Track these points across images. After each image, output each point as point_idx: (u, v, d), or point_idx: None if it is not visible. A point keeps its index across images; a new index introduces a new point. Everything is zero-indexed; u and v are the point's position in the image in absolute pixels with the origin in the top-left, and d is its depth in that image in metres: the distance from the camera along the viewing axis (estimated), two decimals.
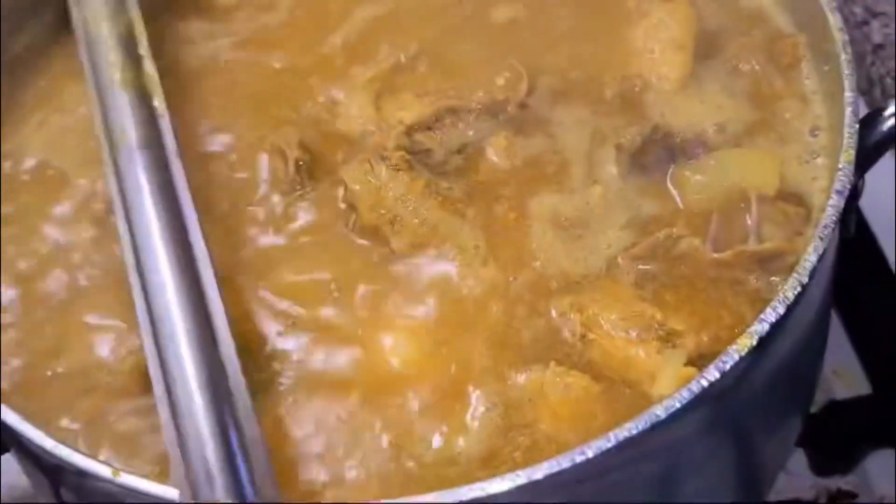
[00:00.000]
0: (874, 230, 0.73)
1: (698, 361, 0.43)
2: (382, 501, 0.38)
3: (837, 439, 0.67)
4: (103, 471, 0.39)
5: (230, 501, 0.36)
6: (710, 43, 0.55)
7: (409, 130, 0.51)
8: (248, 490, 0.37)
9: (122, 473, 0.39)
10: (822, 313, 0.55)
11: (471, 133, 0.52)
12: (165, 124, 0.47)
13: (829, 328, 0.62)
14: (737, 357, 0.39)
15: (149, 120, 0.47)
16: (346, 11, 0.58)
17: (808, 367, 0.57)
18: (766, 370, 0.45)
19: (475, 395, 0.44)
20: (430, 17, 0.57)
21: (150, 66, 0.50)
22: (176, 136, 0.48)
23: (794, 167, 0.51)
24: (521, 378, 0.44)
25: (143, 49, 0.50)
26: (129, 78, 0.48)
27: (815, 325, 0.53)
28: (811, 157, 0.51)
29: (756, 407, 0.48)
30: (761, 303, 0.45)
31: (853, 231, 0.54)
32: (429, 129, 0.52)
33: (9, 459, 0.51)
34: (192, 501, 0.37)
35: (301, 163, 0.52)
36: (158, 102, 0.48)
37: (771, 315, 0.40)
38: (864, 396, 0.69)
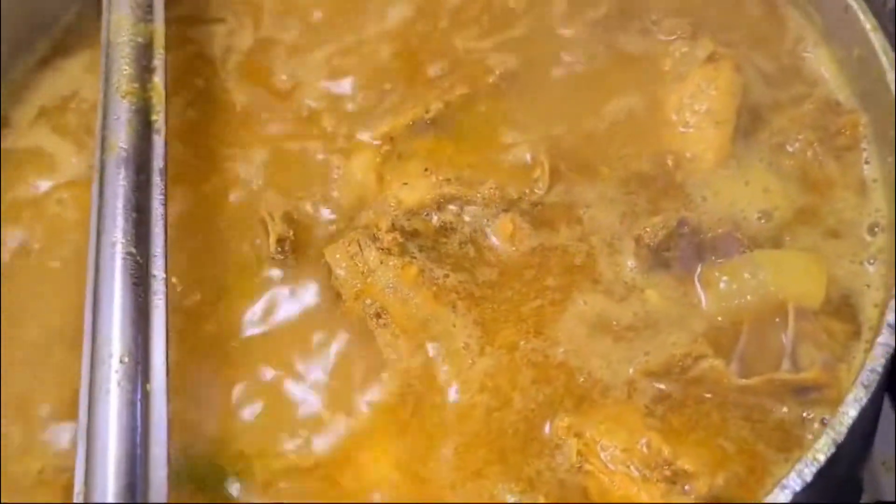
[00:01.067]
0: None
1: None
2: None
3: None
4: None
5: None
6: (754, 115, 0.48)
7: (408, 213, 0.46)
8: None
9: None
10: (868, 424, 0.48)
11: (473, 219, 0.47)
12: (160, 141, 0.46)
13: (879, 421, 0.55)
14: None
15: (143, 133, 0.46)
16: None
17: (849, 476, 0.50)
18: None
19: None
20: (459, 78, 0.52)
21: (159, 79, 0.48)
22: (165, 155, 0.46)
23: (844, 270, 0.44)
24: None
25: (158, 61, 0.49)
26: (134, 89, 0.47)
27: (859, 440, 0.46)
28: (866, 261, 0.44)
29: None
30: (790, 440, 0.39)
31: None
32: (428, 214, 0.46)
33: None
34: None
35: (282, 240, 0.47)
36: (157, 118, 0.47)
37: (795, 482, 0.34)
38: None
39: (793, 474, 0.34)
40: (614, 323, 0.43)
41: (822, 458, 0.34)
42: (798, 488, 0.34)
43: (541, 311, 0.44)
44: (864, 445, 0.50)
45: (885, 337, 0.37)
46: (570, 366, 0.42)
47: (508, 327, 0.44)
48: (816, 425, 0.39)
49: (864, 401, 0.35)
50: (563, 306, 0.44)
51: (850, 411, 0.35)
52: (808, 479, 0.34)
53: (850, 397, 0.35)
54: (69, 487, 0.37)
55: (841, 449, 0.36)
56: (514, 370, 0.42)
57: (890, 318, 0.37)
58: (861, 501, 0.59)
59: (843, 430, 0.35)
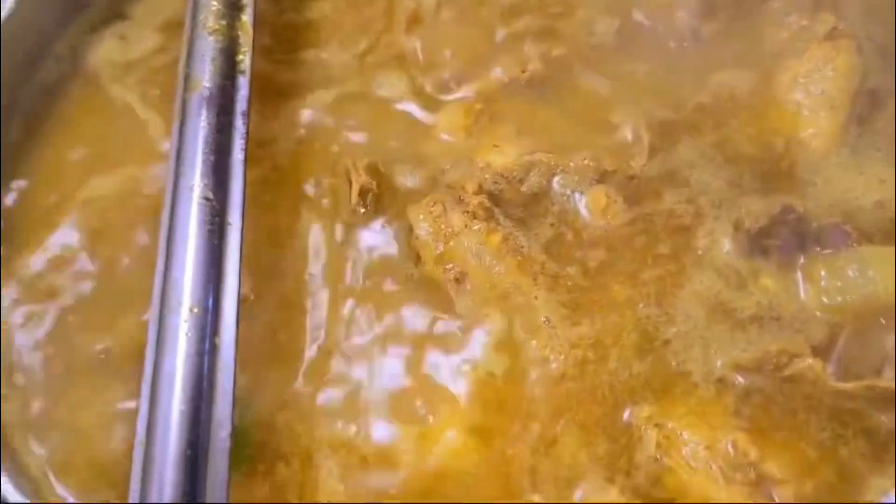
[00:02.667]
0: None
1: None
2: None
3: None
4: None
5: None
6: (873, 100, 0.45)
7: (496, 177, 0.44)
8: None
9: None
10: None
11: (563, 189, 0.44)
12: (244, 81, 0.45)
13: None
14: None
15: (228, 72, 0.45)
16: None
17: None
18: None
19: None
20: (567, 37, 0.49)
21: (248, 17, 0.47)
22: (249, 96, 0.44)
23: None
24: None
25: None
26: (221, 26, 0.46)
27: None
28: None
29: None
30: (885, 451, 0.37)
31: None
32: (518, 180, 0.44)
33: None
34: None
35: (366, 192, 0.45)
36: (243, 57, 0.45)
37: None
38: None
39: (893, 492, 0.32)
40: (737, 311, 0.40)
41: None
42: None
43: (661, 281, 0.42)
44: None
45: None
46: (656, 353, 0.40)
47: (624, 290, 0.42)
48: None
49: None
50: (680, 281, 0.41)
51: None
52: None
53: None
54: None
55: None
56: (622, 330, 0.41)
57: None
58: None
59: None
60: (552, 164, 0.45)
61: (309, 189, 0.46)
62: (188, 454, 0.35)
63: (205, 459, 0.36)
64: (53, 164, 0.48)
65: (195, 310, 0.37)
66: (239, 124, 0.43)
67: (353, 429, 0.40)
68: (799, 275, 0.41)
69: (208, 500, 0.35)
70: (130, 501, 0.35)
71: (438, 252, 0.43)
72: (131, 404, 0.40)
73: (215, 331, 0.37)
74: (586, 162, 0.45)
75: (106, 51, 0.51)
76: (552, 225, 0.44)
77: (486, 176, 0.45)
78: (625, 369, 0.40)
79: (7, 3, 0.48)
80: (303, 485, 0.40)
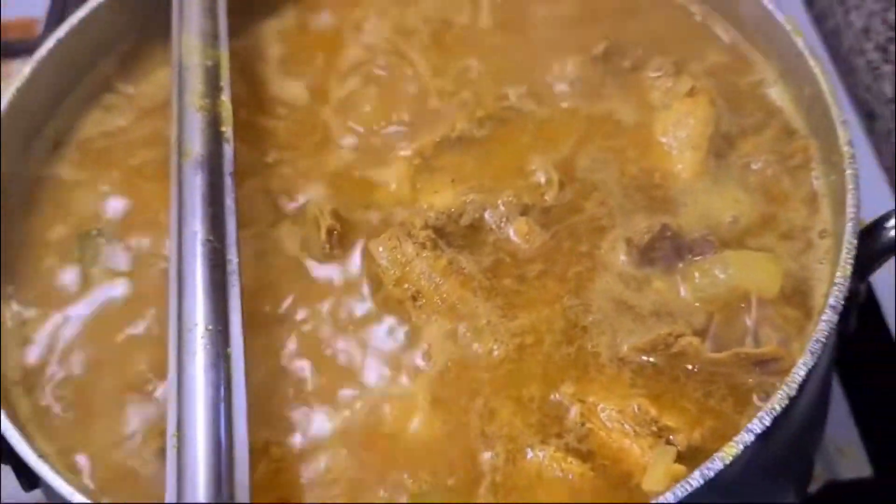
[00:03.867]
0: (883, 311, 0.75)
1: (689, 457, 0.46)
2: None
3: None
4: None
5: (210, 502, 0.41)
6: (726, 140, 0.58)
7: (438, 215, 0.55)
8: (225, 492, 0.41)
9: None
10: (818, 404, 0.57)
11: (494, 221, 0.55)
12: (229, 149, 0.55)
13: (832, 406, 0.63)
14: (720, 465, 0.42)
15: (214, 141, 0.54)
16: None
17: (802, 453, 0.59)
18: (755, 465, 0.47)
19: (486, 461, 0.47)
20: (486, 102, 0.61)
21: (227, 97, 0.57)
22: (234, 160, 0.54)
23: (798, 266, 0.53)
24: (522, 456, 0.47)
25: (225, 82, 0.58)
26: (206, 104, 0.55)
27: (810, 417, 0.55)
28: (816, 260, 0.53)
29: (749, 492, 0.50)
30: (753, 404, 0.48)
31: (854, 328, 0.56)
32: (455, 217, 0.55)
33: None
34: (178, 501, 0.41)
35: (332, 232, 0.55)
36: (226, 129, 0.55)
37: (757, 426, 0.43)
38: (864, 479, 0.70)
39: (755, 420, 0.43)
40: (636, 307, 0.52)
41: (778, 407, 0.43)
42: (758, 430, 0.43)
43: (579, 278, 0.53)
44: (815, 425, 0.60)
45: (827, 315, 0.46)
46: (572, 345, 0.51)
47: (552, 289, 0.52)
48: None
49: (811, 364, 0.44)
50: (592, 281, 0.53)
51: (800, 371, 0.44)
52: (767, 423, 0.43)
53: (801, 361, 0.44)
54: None
55: (794, 405, 0.45)
56: (553, 319, 0.51)
57: (831, 300, 0.46)
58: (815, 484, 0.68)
59: (795, 386, 0.44)
60: (483, 201, 0.56)
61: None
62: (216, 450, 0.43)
63: (229, 455, 0.43)
64: None
65: (209, 328, 0.46)
66: (228, 182, 0.53)
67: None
68: (678, 277, 0.53)
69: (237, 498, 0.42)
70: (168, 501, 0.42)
71: (396, 276, 0.53)
72: None
73: (227, 344, 0.46)
74: (510, 199, 0.56)
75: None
76: (488, 250, 0.55)
77: (430, 214, 0.56)
78: (556, 351, 0.50)
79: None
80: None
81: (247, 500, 0.42)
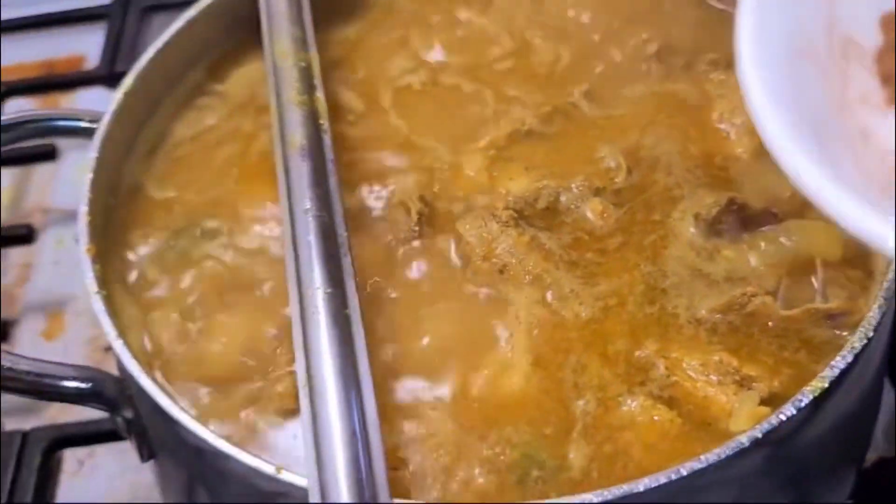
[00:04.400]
0: None
1: (771, 402, 0.50)
2: None
3: (887, 495, 0.72)
4: (267, 468, 0.46)
5: (353, 501, 0.43)
6: None
7: (516, 199, 0.60)
8: (367, 492, 0.43)
9: (283, 471, 0.46)
10: (879, 373, 0.61)
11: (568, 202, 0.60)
12: (327, 139, 0.60)
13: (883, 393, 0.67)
14: (810, 397, 0.46)
15: (315, 133, 0.59)
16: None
17: (864, 421, 0.62)
18: (830, 416, 0.51)
19: (579, 407, 0.51)
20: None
21: (320, 94, 0.62)
22: (333, 149, 0.59)
23: None
24: (616, 405, 0.51)
25: (317, 81, 0.63)
26: (304, 100, 0.60)
27: (873, 382, 0.59)
28: None
29: (818, 454, 0.54)
30: (827, 355, 0.52)
31: None
32: (535, 199, 0.60)
33: None
34: (321, 501, 0.43)
35: (421, 215, 0.60)
36: (324, 122, 0.60)
37: (840, 362, 0.47)
38: None
39: (838, 357, 0.47)
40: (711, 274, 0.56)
41: (858, 345, 0.47)
42: (842, 366, 0.46)
43: (653, 247, 0.57)
44: (873, 399, 0.63)
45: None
46: (654, 308, 0.55)
47: (630, 256, 0.57)
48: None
49: (885, 308, 0.48)
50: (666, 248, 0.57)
51: (875, 313, 0.48)
52: (850, 359, 0.47)
53: (875, 305, 0.49)
54: None
55: (867, 353, 0.49)
56: (634, 284, 0.56)
57: None
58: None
59: (871, 327, 0.48)
60: (556, 186, 0.61)
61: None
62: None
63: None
64: None
65: (328, 291, 0.50)
66: (330, 167, 0.58)
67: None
68: (745, 246, 0.57)
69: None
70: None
71: (484, 252, 0.58)
72: None
73: (345, 305, 0.50)
74: (583, 183, 0.61)
75: None
76: (567, 229, 0.59)
77: (509, 199, 0.60)
78: (639, 311, 0.55)
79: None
80: None
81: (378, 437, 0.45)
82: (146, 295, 0.59)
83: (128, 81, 0.65)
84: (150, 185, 0.65)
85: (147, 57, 0.67)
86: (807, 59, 0.42)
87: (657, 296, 0.56)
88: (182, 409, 0.50)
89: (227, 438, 0.49)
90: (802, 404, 0.46)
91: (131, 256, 0.62)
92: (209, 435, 0.48)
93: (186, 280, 0.59)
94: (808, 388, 0.46)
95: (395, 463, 0.50)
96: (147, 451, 0.57)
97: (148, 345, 0.57)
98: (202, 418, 0.51)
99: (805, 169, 0.37)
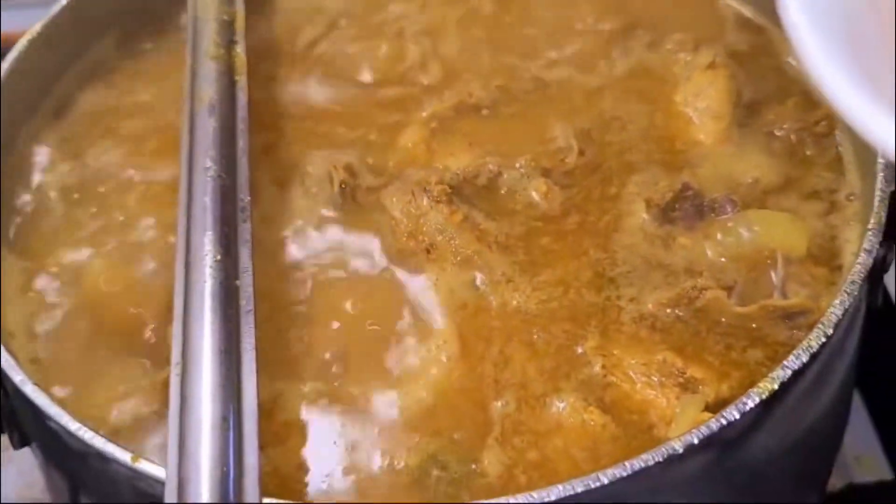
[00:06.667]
0: None
1: (717, 409, 0.44)
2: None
3: None
4: (121, 455, 0.40)
5: (214, 502, 0.37)
6: (749, 110, 0.57)
7: (453, 175, 0.54)
8: (233, 491, 0.37)
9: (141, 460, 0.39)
10: (846, 385, 0.55)
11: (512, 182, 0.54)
12: (242, 97, 0.54)
13: (851, 412, 0.61)
14: (757, 399, 0.40)
15: (228, 89, 0.54)
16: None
17: (827, 437, 0.56)
18: (784, 426, 0.45)
19: (497, 409, 0.45)
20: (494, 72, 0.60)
21: (241, 50, 0.56)
22: (247, 107, 0.53)
23: (826, 227, 0.51)
24: (541, 406, 0.45)
25: (239, 36, 0.57)
26: (221, 54, 0.55)
27: (838, 393, 0.53)
28: (844, 222, 0.52)
29: (772, 468, 0.48)
30: (782, 357, 0.45)
31: (880, 302, 0.54)
32: (475, 176, 0.54)
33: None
34: (178, 500, 0.37)
35: (344, 186, 0.54)
36: (240, 77, 0.55)
37: (794, 362, 0.41)
38: (885, 482, 0.68)
39: (791, 357, 0.41)
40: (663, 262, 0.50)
41: (815, 344, 0.41)
42: (795, 367, 0.40)
43: (603, 232, 0.51)
44: (839, 417, 0.57)
45: (862, 258, 0.44)
46: (595, 298, 0.49)
47: (575, 242, 0.51)
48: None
49: (847, 304, 0.43)
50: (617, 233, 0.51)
51: (836, 311, 0.42)
52: (804, 360, 0.41)
53: (837, 301, 0.43)
54: None
55: (828, 352, 0.43)
56: (580, 271, 0.50)
57: (866, 244, 0.45)
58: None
59: (831, 324, 0.42)
60: (501, 164, 0.55)
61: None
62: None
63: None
64: None
65: (218, 258, 0.44)
66: (241, 126, 0.52)
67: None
68: (701, 235, 0.52)
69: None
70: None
71: (410, 229, 0.52)
72: None
73: (235, 276, 0.44)
74: (529, 161, 0.55)
75: None
76: (507, 210, 0.53)
77: (446, 174, 0.54)
78: (580, 300, 0.49)
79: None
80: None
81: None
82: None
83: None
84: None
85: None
86: None
87: (604, 284, 0.50)
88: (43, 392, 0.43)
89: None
90: (748, 408, 0.39)
91: None
92: (68, 420, 0.42)
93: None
94: (756, 389, 0.40)
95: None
96: (19, 438, 0.51)
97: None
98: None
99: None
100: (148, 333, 0.49)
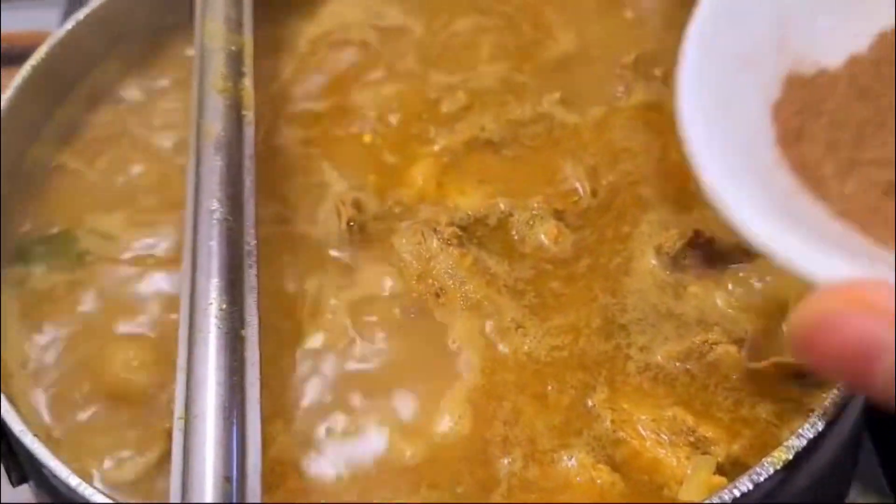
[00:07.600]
0: None
1: (728, 471, 0.43)
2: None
3: None
4: None
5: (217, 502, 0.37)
6: None
7: (464, 214, 0.53)
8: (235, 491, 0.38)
9: None
10: (855, 437, 0.55)
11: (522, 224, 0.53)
12: (250, 132, 0.53)
13: (861, 458, 0.61)
14: (771, 470, 0.39)
15: (235, 125, 0.52)
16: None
17: (836, 490, 0.56)
18: (796, 487, 0.44)
19: (504, 466, 0.45)
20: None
21: (249, 84, 0.55)
22: (254, 144, 0.52)
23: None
24: (549, 462, 0.44)
25: (247, 68, 0.56)
26: (227, 87, 0.53)
27: (848, 447, 0.52)
28: None
29: None
30: (794, 415, 0.45)
31: None
32: (485, 216, 0.53)
33: None
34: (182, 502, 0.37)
35: (352, 224, 0.53)
36: (247, 112, 0.53)
37: (809, 431, 0.40)
38: None
39: (806, 425, 0.40)
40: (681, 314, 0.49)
41: (831, 410, 0.40)
42: (810, 436, 0.40)
43: (613, 278, 0.51)
44: (847, 464, 0.57)
45: None
46: (605, 348, 0.49)
47: (586, 287, 0.50)
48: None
49: None
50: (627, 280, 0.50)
51: None
52: (820, 427, 0.40)
53: None
54: None
55: (841, 419, 0.42)
56: (590, 318, 0.49)
57: None
58: None
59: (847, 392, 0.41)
60: (512, 204, 0.54)
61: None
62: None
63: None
64: None
65: (223, 307, 0.43)
66: (248, 164, 0.51)
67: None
68: (712, 285, 0.51)
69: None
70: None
71: (420, 271, 0.51)
72: None
73: (242, 325, 0.43)
74: (540, 203, 0.54)
75: None
76: (517, 253, 0.52)
77: (457, 213, 0.53)
78: (591, 349, 0.48)
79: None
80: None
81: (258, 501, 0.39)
82: None
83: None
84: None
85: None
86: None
87: (615, 331, 0.49)
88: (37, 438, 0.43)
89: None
90: (761, 479, 0.39)
91: None
92: (61, 469, 0.41)
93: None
94: (770, 459, 0.40)
95: None
96: (17, 476, 0.50)
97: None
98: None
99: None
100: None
